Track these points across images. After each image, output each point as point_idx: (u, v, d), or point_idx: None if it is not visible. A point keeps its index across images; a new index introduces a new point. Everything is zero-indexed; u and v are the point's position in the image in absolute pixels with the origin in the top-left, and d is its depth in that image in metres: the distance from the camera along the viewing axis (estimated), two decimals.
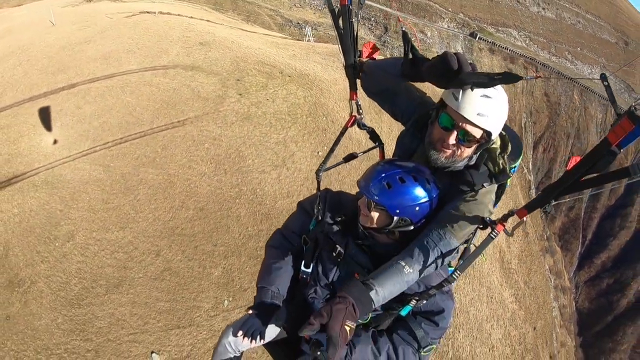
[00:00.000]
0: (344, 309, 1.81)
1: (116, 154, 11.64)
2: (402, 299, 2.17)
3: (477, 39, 50.97)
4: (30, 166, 11.39)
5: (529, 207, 2.02)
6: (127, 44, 16.52)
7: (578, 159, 1.77)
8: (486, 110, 1.97)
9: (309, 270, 2.39)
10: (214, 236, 10.17)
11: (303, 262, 2.42)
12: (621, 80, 58.78)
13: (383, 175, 2.11)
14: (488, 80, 1.77)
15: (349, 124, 2.48)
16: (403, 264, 2.04)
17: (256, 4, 45.72)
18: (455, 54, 1.79)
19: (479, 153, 2.22)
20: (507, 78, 1.74)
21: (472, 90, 1.92)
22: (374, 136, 2.59)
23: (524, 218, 2.05)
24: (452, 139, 2.08)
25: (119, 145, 11.86)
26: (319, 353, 1.76)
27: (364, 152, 2.72)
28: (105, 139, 12.00)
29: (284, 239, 2.56)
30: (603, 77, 2.09)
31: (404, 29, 2.11)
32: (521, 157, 2.53)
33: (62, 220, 10.09)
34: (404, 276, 2.03)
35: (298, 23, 47.20)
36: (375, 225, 2.19)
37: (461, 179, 2.22)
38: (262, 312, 2.32)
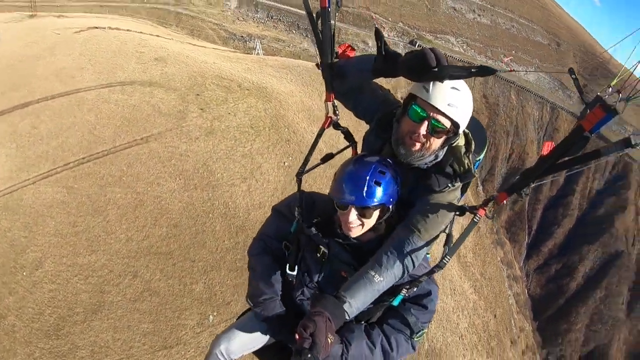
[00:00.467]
0: (324, 321, 1.88)
1: (79, 174, 11.29)
2: (392, 290, 2.20)
3: (416, 46, 53.14)
4: None
5: (509, 191, 2.10)
6: (80, 60, 15.99)
7: (551, 144, 1.90)
8: (456, 101, 2.06)
9: (294, 272, 2.39)
10: (191, 252, 10.11)
11: (287, 266, 2.40)
12: (554, 79, 63.27)
13: (367, 177, 2.09)
14: (466, 73, 1.90)
15: (326, 125, 2.49)
16: (373, 273, 2.10)
17: (199, 18, 45.46)
18: (432, 49, 1.90)
19: (445, 150, 2.28)
20: (482, 71, 1.86)
21: (442, 82, 2.02)
22: (348, 136, 2.63)
23: (504, 201, 2.14)
24: (422, 129, 2.11)
25: (82, 165, 11.49)
26: (309, 356, 1.80)
27: (339, 151, 2.70)
28: (66, 160, 11.59)
29: (265, 245, 2.53)
30: (571, 72, 2.29)
31: (376, 26, 2.28)
32: (486, 149, 2.65)
33: (28, 247, 9.68)
34: (375, 285, 2.09)
35: (242, 36, 47.37)
36: (369, 226, 2.20)
37: (427, 179, 2.27)
38: (276, 323, 2.36)
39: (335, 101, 2.46)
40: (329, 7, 2.11)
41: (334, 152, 2.66)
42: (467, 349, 16.44)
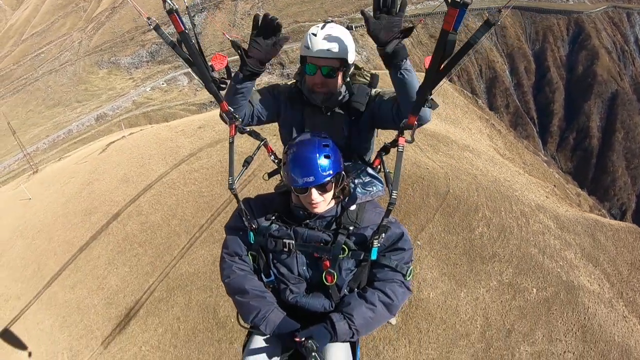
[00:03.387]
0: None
1: (219, 227, 12.48)
2: (365, 247, 2.29)
3: (355, 28, 56.51)
4: None
5: (414, 111, 2.20)
6: (133, 162, 17.00)
7: (430, 58, 2.00)
8: (331, 45, 2.46)
9: (272, 277, 2.40)
10: None
11: (263, 274, 2.42)
12: None
13: (317, 155, 2.21)
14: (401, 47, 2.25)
15: (233, 133, 2.56)
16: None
17: (166, 107, 47.35)
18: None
19: (348, 80, 2.69)
20: (405, 33, 2.21)
21: (315, 36, 2.47)
22: (255, 135, 2.75)
23: (415, 122, 2.23)
24: (318, 78, 2.55)
25: (215, 221, 12.70)
26: (313, 354, 1.96)
27: (255, 152, 2.80)
28: (197, 224, 12.79)
29: (233, 264, 2.45)
30: None
31: (230, 39, 2.43)
32: None
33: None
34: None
35: (212, 101, 49.94)
36: (329, 198, 2.32)
37: (352, 104, 2.70)
38: (284, 330, 2.28)
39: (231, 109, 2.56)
40: (185, 29, 2.21)
41: (251, 154, 2.78)
42: (560, 202, 18.02)
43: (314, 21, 57.13)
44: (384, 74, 2.44)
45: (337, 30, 2.50)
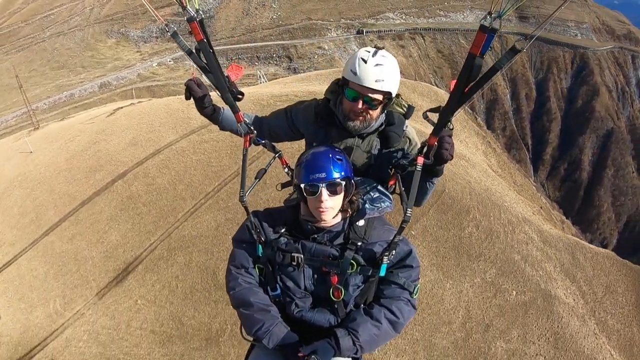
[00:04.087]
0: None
1: (226, 195, 12.94)
2: (375, 263, 2.26)
3: (365, 33, 58.48)
4: None
5: (436, 133, 2.22)
6: (143, 127, 17.30)
7: (455, 82, 2.01)
8: (382, 75, 2.31)
9: (278, 292, 2.37)
10: None
11: (269, 287, 2.39)
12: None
13: (329, 155, 2.26)
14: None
15: (247, 144, 2.55)
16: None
17: (170, 84, 47.61)
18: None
19: (386, 112, 2.59)
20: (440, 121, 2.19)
21: (365, 63, 2.31)
22: (271, 148, 2.73)
23: (435, 143, 2.23)
24: (360, 106, 2.40)
25: (222, 190, 13.14)
26: None
27: (269, 164, 2.79)
28: (204, 191, 13.22)
29: (239, 277, 2.42)
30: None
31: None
32: None
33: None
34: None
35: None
36: (338, 206, 2.29)
37: (389, 133, 2.61)
38: (288, 344, 2.25)
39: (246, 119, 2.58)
40: (204, 39, 2.20)
41: (265, 167, 2.74)
42: (545, 221, 18.82)
43: (326, 20, 58.26)
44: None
45: (388, 60, 2.37)
